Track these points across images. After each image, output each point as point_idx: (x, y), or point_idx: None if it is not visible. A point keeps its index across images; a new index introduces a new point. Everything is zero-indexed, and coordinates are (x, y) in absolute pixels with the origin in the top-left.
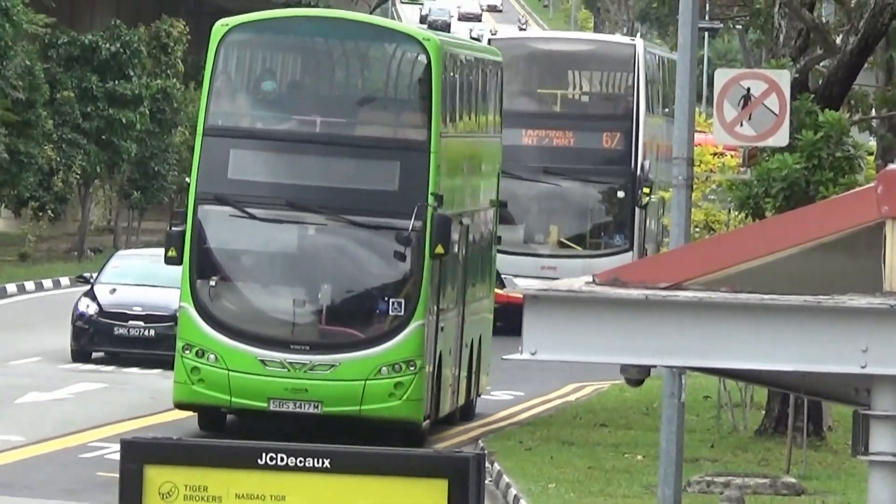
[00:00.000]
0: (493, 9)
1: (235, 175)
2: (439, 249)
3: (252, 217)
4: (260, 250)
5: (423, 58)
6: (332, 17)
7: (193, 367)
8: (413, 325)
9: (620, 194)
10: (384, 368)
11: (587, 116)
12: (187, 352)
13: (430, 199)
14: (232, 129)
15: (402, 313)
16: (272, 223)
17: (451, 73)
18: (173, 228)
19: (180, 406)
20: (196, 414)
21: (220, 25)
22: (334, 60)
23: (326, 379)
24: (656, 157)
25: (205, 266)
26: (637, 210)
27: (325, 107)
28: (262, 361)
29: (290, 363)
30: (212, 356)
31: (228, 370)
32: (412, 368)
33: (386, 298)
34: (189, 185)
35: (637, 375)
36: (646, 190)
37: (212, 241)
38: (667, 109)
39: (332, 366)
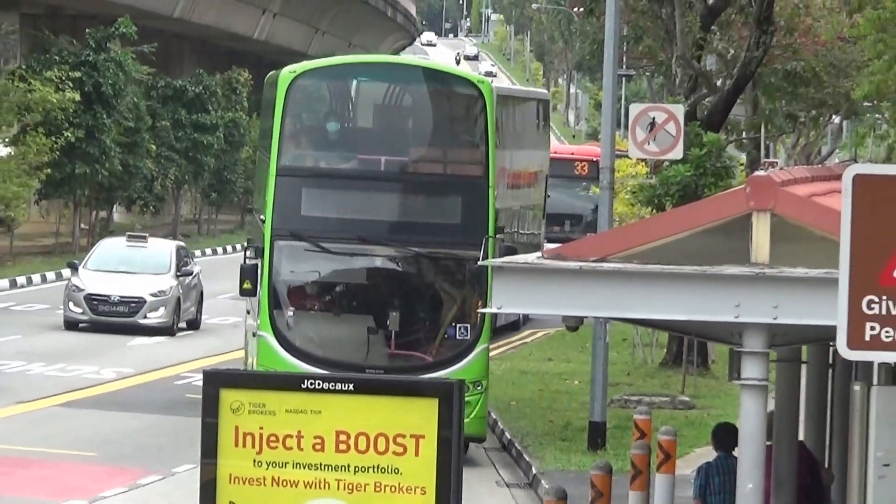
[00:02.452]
0: (489, 74)
1: (308, 212)
2: None
3: (325, 251)
4: (334, 281)
5: (478, 98)
6: (392, 62)
7: None
8: (479, 349)
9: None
10: None
11: None
12: None
13: (491, 231)
14: (303, 169)
15: (469, 338)
16: (344, 256)
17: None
18: (247, 262)
19: None
20: None
21: (288, 72)
22: (396, 102)
23: None
24: (506, 185)
25: (282, 297)
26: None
27: (389, 146)
28: None
29: None
30: None
31: None
32: (479, 389)
33: (453, 324)
34: (264, 222)
35: (574, 323)
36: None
37: (288, 274)
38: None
39: None
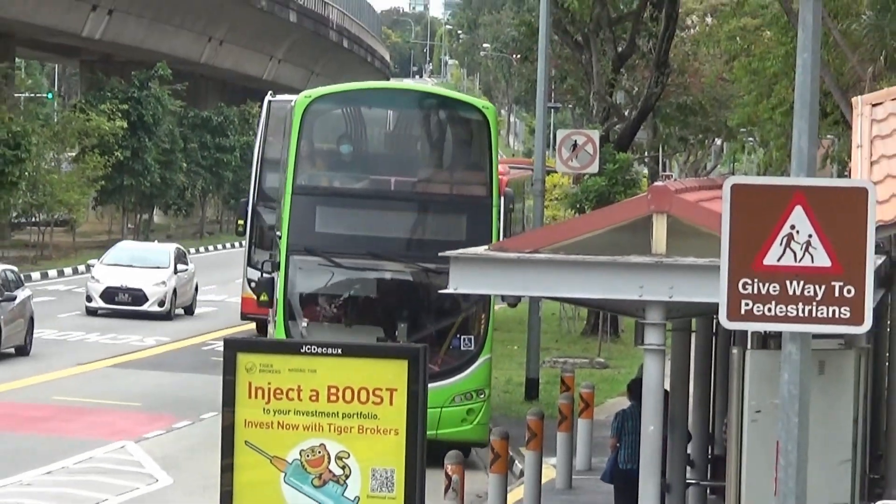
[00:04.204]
0: None
1: (321, 229)
2: None
3: (338, 265)
4: (345, 295)
5: (481, 121)
6: (400, 88)
7: None
8: (482, 359)
9: None
10: (458, 397)
11: None
12: None
13: None
14: (317, 189)
15: (473, 349)
16: (355, 270)
17: None
18: (264, 276)
19: None
20: None
21: (303, 97)
22: (404, 126)
23: None
24: None
25: (296, 309)
26: None
27: (398, 167)
28: None
29: None
30: None
31: None
32: (482, 396)
33: (458, 336)
34: (280, 238)
35: (513, 301)
36: None
37: (303, 287)
38: None
39: None
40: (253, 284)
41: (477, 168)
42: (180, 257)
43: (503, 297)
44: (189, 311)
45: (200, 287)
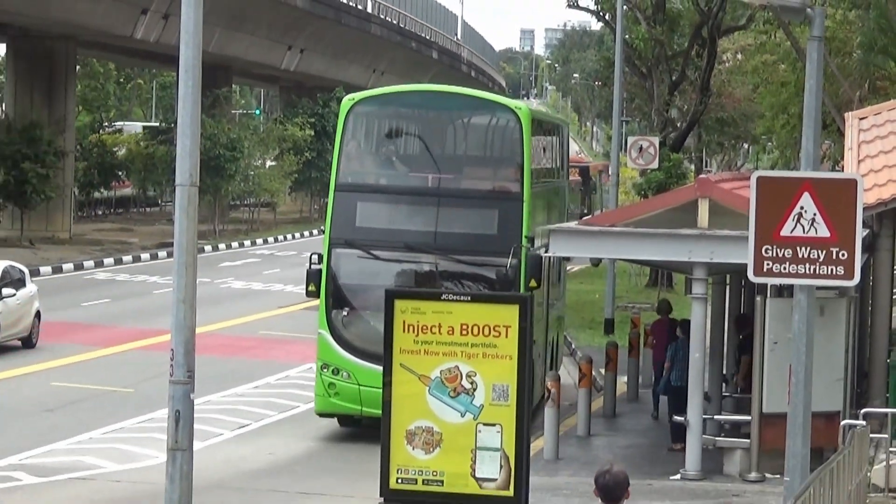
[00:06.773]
0: None
1: (362, 223)
2: (533, 283)
3: (376, 258)
4: (383, 285)
5: (515, 122)
6: (439, 90)
7: (330, 383)
8: None
9: None
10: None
11: None
12: (325, 370)
13: (524, 241)
14: (359, 185)
15: None
16: (393, 262)
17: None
18: (312, 267)
19: (321, 414)
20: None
21: (348, 99)
22: (442, 126)
23: None
24: None
25: (338, 299)
26: None
27: (435, 165)
28: None
29: None
30: (345, 374)
31: (359, 385)
32: None
33: None
34: (324, 231)
35: (596, 262)
36: None
37: (343, 278)
38: None
39: None
40: None
41: (509, 166)
42: (11, 279)
43: (589, 260)
44: (28, 343)
45: None
